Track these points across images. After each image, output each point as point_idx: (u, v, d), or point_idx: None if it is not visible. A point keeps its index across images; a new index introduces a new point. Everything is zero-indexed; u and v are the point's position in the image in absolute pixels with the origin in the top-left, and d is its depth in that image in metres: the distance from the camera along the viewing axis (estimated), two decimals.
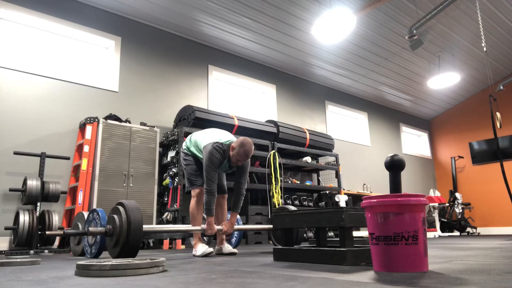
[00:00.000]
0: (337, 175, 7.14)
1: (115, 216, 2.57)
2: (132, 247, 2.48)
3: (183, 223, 4.75)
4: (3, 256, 3.51)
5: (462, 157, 10.01)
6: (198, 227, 3.08)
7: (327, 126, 8.17)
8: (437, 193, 9.08)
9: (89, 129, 4.59)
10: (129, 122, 5.04)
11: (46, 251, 3.99)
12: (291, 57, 7.19)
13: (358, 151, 8.65)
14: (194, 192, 3.19)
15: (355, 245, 2.06)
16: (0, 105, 4.39)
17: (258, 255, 2.90)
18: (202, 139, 3.18)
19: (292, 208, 3.38)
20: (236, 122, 5.71)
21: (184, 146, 3.36)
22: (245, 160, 3.07)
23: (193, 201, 3.19)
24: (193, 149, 3.26)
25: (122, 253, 2.48)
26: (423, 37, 6.73)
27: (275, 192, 5.79)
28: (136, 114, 5.40)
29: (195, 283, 1.40)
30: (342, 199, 6.36)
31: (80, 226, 3.21)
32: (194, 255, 3.02)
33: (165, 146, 5.42)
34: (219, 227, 3.12)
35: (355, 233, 5.80)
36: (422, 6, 6.26)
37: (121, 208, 2.58)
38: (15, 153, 4.17)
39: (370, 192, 8.29)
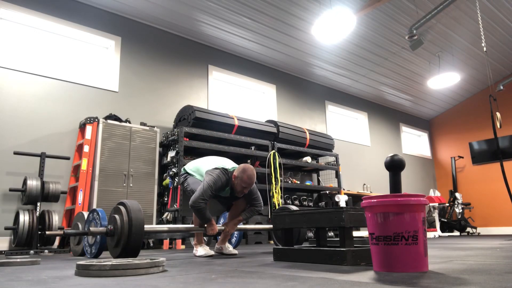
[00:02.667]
0: (337, 175, 7.14)
1: (117, 216, 2.57)
2: (133, 247, 2.48)
3: (183, 223, 4.75)
4: (3, 256, 3.51)
5: (462, 157, 10.01)
6: (199, 227, 3.07)
7: (327, 126, 8.17)
8: (437, 193, 9.07)
9: (89, 129, 4.59)
10: (129, 122, 5.04)
11: (46, 251, 3.99)
12: (291, 57, 7.19)
13: (358, 151, 8.65)
14: None
15: (355, 245, 2.06)
16: (0, 105, 4.39)
17: (258, 255, 2.90)
18: (205, 165, 3.13)
19: (294, 208, 3.38)
20: (236, 122, 5.71)
21: (182, 171, 3.31)
22: (250, 186, 3.00)
23: None
24: (194, 174, 3.19)
25: (123, 253, 2.48)
26: (423, 37, 6.73)
27: (275, 192, 5.79)
28: (136, 114, 5.41)
29: (195, 283, 1.40)
30: (342, 199, 6.36)
31: (80, 226, 3.21)
32: (194, 255, 3.03)
33: (165, 146, 5.42)
34: (221, 227, 3.12)
35: (355, 233, 5.81)
36: (422, 6, 6.26)
37: (122, 208, 2.58)
38: (15, 153, 4.17)
39: (370, 192, 8.29)
